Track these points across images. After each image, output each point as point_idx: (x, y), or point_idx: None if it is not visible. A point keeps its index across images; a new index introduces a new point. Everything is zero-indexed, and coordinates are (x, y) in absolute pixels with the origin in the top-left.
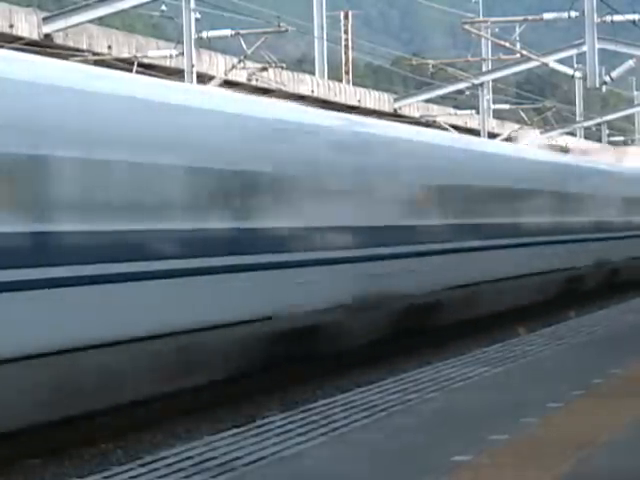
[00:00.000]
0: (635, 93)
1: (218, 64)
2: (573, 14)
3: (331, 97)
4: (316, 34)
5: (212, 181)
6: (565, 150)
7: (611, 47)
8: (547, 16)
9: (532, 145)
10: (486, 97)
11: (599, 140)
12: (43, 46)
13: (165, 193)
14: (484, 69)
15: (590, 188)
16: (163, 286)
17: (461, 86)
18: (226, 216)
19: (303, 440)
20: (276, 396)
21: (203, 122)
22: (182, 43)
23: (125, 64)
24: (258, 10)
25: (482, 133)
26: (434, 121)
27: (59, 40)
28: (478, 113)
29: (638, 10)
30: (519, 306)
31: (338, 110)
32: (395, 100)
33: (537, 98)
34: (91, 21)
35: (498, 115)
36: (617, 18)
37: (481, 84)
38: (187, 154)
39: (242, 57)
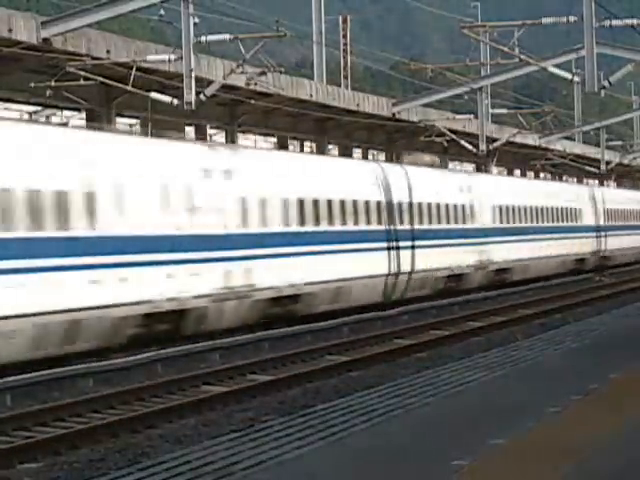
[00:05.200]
0: (634, 97)
1: (217, 68)
2: (572, 19)
3: (330, 102)
4: (315, 39)
5: None
6: None
7: (609, 52)
8: (546, 20)
9: None
10: (485, 101)
11: (597, 145)
12: (42, 50)
13: None
14: (483, 73)
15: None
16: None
17: (460, 90)
18: None
19: (302, 444)
20: (275, 400)
21: None
22: (181, 47)
23: (123, 68)
24: (257, 14)
25: (481, 137)
26: (432, 125)
27: (58, 45)
28: (477, 118)
29: (636, 15)
30: None
31: (337, 114)
32: (393, 105)
33: (536, 102)
34: (89, 25)
35: (497, 120)
36: (615, 23)
37: (480, 88)
38: None
39: (241, 61)
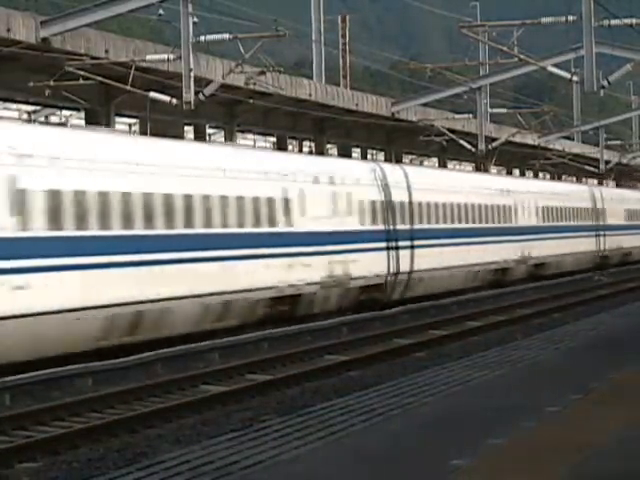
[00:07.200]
0: (632, 97)
1: (216, 68)
2: (571, 18)
3: (329, 101)
4: (314, 38)
5: None
6: None
7: (608, 51)
8: (545, 20)
9: None
10: (484, 101)
11: (596, 144)
12: (41, 50)
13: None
14: (482, 73)
15: None
16: None
17: (459, 90)
18: None
19: (300, 444)
20: (274, 400)
21: None
22: (180, 47)
23: (122, 68)
24: (256, 14)
25: (480, 137)
26: (432, 125)
27: (57, 44)
28: (476, 117)
29: (635, 14)
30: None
31: (336, 114)
32: (392, 104)
33: (535, 102)
34: (88, 25)
35: (496, 119)
36: (615, 22)
37: (479, 88)
38: None
39: (240, 61)
